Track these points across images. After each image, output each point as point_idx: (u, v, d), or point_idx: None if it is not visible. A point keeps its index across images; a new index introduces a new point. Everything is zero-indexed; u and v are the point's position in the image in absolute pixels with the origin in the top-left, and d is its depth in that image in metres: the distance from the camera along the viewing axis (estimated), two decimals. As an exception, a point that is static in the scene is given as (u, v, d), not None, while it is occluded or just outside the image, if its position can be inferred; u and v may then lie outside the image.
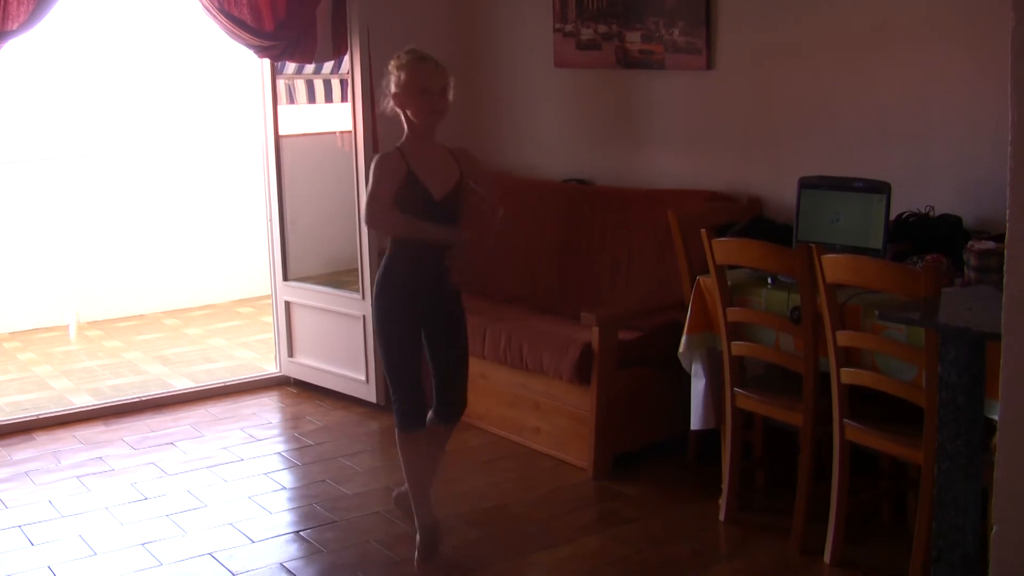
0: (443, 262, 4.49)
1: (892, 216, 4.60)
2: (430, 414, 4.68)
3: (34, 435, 6.28)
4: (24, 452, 6.02)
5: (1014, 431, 2.96)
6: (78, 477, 5.63)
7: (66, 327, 8.83)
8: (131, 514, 5.16)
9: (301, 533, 4.93)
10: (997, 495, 3.07)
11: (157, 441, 6.14)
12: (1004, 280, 2.83)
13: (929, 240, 4.61)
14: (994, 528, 3.14)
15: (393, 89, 4.42)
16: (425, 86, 4.37)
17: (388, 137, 4.95)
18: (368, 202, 4.41)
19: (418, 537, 4.62)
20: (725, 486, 4.88)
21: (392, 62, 4.46)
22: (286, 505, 5.30)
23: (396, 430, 4.62)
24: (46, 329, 8.86)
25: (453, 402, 4.68)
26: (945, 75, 4.88)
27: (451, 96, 4.45)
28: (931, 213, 4.74)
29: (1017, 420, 2.99)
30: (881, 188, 4.53)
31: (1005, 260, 2.87)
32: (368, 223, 4.58)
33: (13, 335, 8.71)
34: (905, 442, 4.12)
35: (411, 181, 4.37)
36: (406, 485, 4.74)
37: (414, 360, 4.57)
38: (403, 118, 4.46)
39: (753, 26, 5.62)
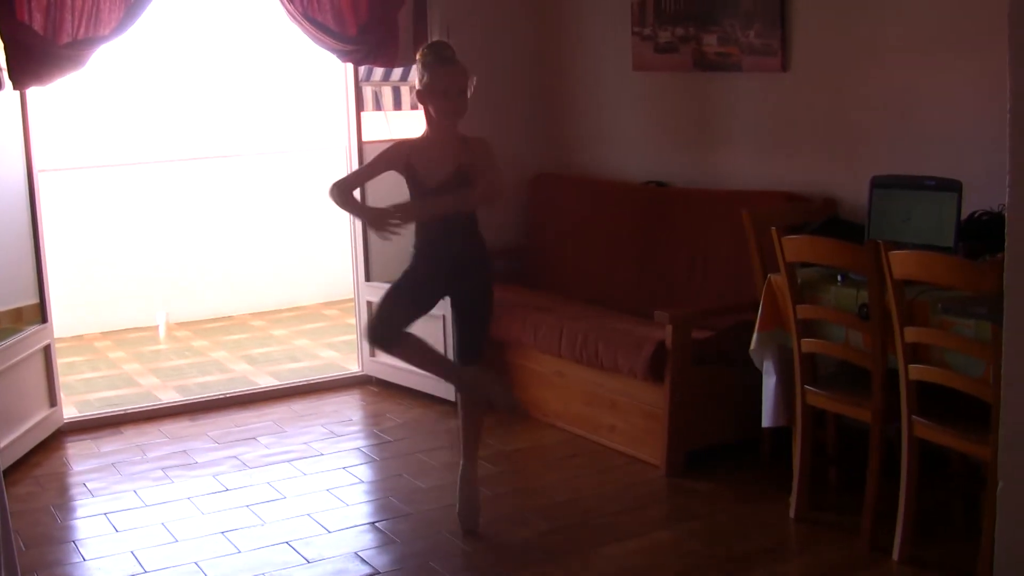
0: (461, 241, 4.76)
1: (964, 215, 4.58)
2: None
3: (122, 429, 6.45)
4: (112, 445, 6.18)
5: (1017, 388, 3.00)
6: (162, 469, 5.78)
7: (156, 328, 9.03)
8: (212, 504, 5.30)
9: (376, 524, 5.03)
10: (1002, 451, 3.08)
11: (240, 436, 6.27)
12: (1005, 243, 2.91)
13: (1002, 238, 4.57)
14: (1000, 485, 3.14)
15: (417, 86, 4.64)
16: (446, 88, 4.58)
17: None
18: (346, 175, 4.93)
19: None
20: (795, 483, 4.89)
21: (418, 55, 4.68)
22: (363, 498, 5.41)
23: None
24: (136, 329, 9.06)
25: (468, 344, 4.86)
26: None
27: (470, 94, 4.65)
28: (1004, 211, 4.71)
29: (1020, 377, 3.02)
30: (952, 186, 4.52)
31: (1006, 223, 2.94)
32: (329, 191, 4.78)
33: (105, 335, 8.93)
34: (974, 439, 4.10)
35: (409, 172, 4.72)
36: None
37: (413, 309, 4.81)
38: (424, 112, 4.69)
39: (827, 27, 5.62)
